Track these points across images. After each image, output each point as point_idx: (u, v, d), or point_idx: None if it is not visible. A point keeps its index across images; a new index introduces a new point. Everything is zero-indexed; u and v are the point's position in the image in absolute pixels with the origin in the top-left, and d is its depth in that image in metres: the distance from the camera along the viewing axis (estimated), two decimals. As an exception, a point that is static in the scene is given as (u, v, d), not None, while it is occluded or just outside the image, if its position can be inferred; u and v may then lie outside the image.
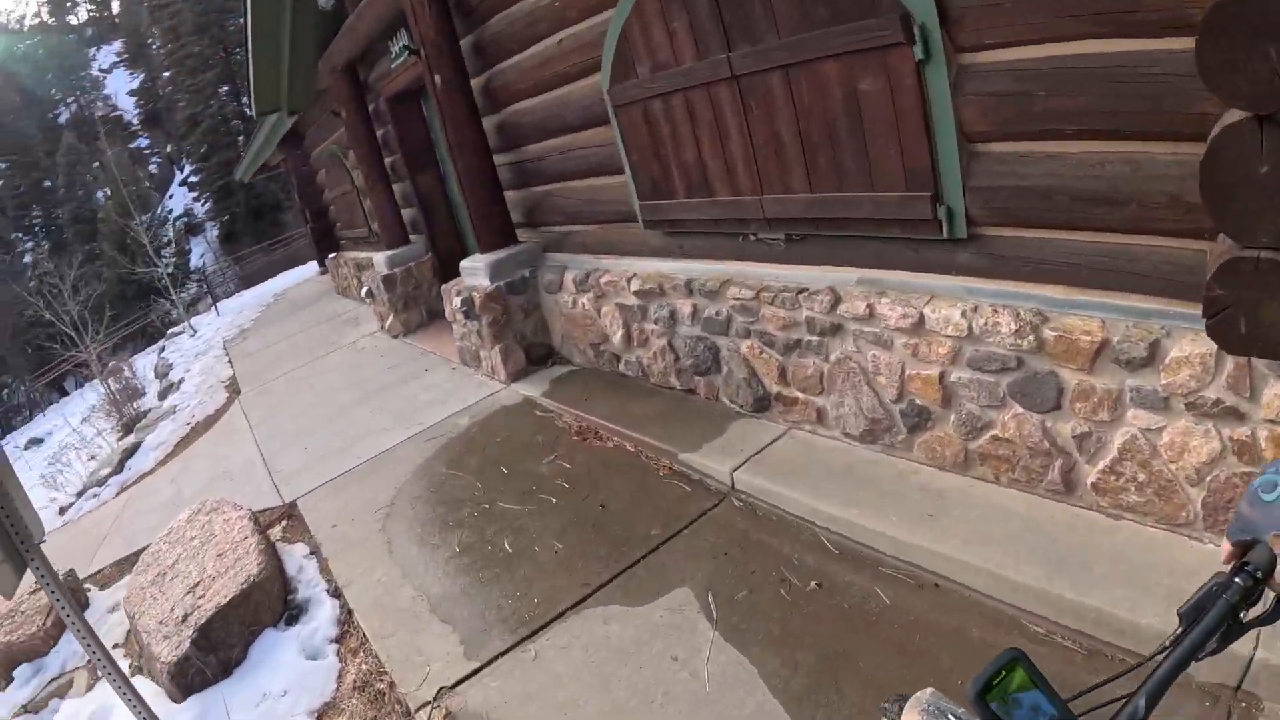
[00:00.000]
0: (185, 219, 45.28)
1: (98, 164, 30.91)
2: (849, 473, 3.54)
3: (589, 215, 5.25)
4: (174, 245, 35.27)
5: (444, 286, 6.48)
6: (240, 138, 39.33)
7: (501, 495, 4.40)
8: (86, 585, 5.38)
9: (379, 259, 8.84)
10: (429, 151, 8.43)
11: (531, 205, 5.90)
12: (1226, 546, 0.98)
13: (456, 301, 5.99)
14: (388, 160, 8.83)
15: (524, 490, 4.40)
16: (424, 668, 3.26)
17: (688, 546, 3.54)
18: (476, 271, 5.90)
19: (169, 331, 19.95)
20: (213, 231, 42.35)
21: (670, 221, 4.42)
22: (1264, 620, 0.90)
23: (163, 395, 12.16)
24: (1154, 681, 0.86)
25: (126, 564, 5.56)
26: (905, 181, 3.07)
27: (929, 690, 1.11)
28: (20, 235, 48.12)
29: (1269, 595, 0.92)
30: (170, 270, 32.71)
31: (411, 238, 8.97)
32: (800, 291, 3.66)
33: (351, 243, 12.84)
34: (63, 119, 58.47)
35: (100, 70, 65.25)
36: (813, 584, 3.09)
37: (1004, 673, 0.88)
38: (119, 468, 8.65)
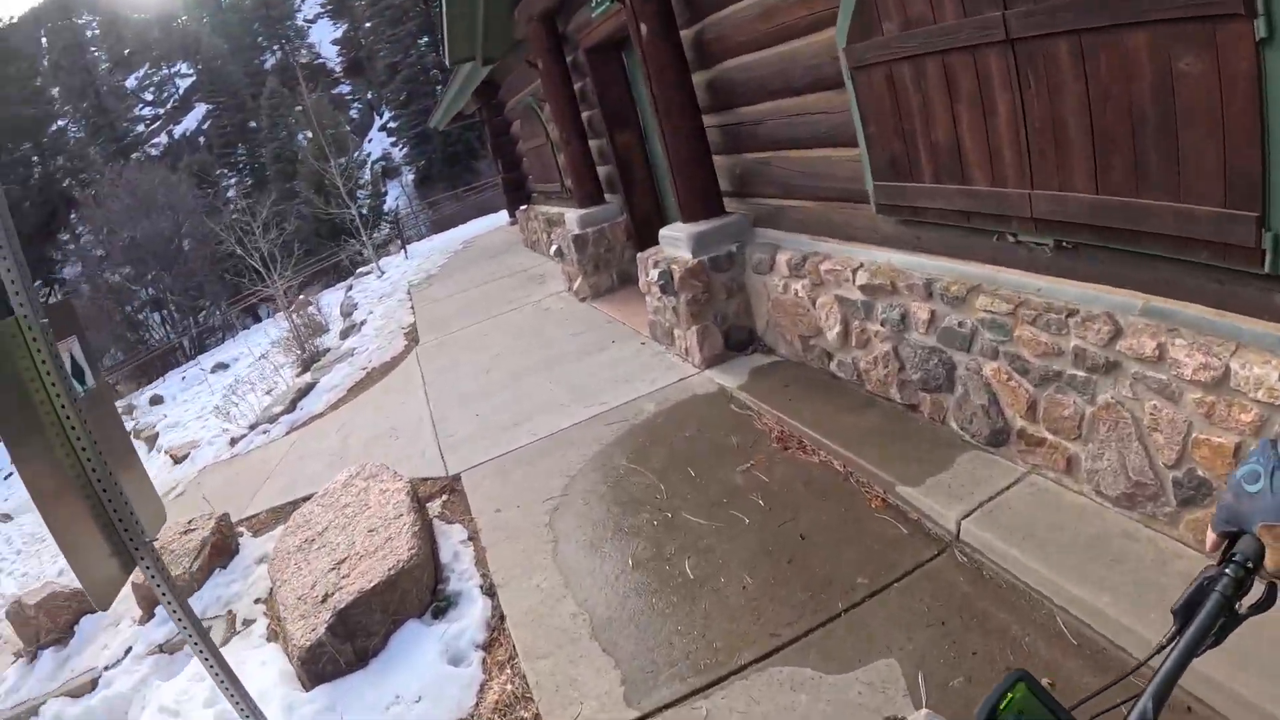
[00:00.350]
0: (383, 162, 48.19)
1: (300, 108, 33.27)
2: (1100, 544, 3.00)
3: (809, 190, 4.81)
4: (371, 187, 37.66)
5: (640, 255, 6.25)
6: (438, 86, 41.22)
7: (686, 504, 4.10)
8: (240, 529, 5.60)
9: (571, 217, 8.83)
10: (628, 108, 8.25)
11: (742, 173, 5.54)
12: (1212, 538, 1.02)
13: (654, 273, 5.75)
14: (584, 115, 8.72)
15: (713, 501, 4.06)
16: (576, 704, 3.02)
17: (899, 606, 3.10)
18: (678, 242, 5.64)
19: (358, 271, 21.24)
20: (408, 175, 44.85)
21: (911, 208, 3.90)
22: (1260, 607, 0.93)
23: (344, 335, 12.87)
24: (1159, 681, 0.91)
25: (282, 513, 5.75)
26: (1223, 195, 2.46)
27: (924, 711, 1.15)
28: (225, 172, 52.99)
29: (1260, 587, 0.95)
30: (364, 211, 35.16)
31: (606, 197, 8.82)
32: (1069, 314, 3.11)
33: (543, 196, 13.05)
34: (268, 65, 63.56)
35: (305, 20, 70.35)
36: (1045, 680, 2.60)
37: (1009, 695, 0.91)
38: (291, 406, 9.12)
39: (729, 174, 5.70)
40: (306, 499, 5.24)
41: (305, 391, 9.48)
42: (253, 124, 49.22)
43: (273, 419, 9.02)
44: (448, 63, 10.70)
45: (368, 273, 19.95)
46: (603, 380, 6.06)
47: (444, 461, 5.50)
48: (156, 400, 20.31)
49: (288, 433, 8.37)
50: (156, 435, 14.07)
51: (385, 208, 42.15)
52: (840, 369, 4.82)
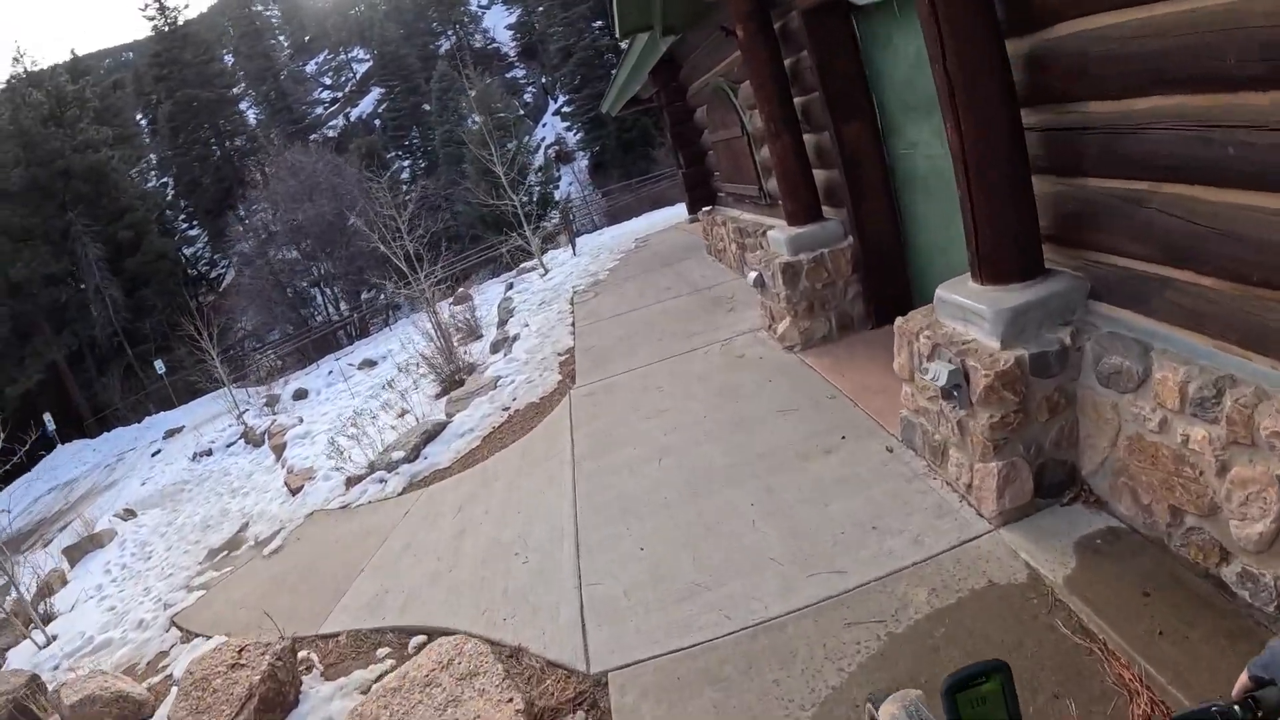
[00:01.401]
0: (556, 147, 47.79)
1: (474, 92, 33.04)
2: None
3: (1233, 261, 2.73)
4: (542, 173, 37.04)
5: (898, 325, 4.21)
6: (612, 70, 40.30)
7: None
8: (309, 655, 4.31)
9: (777, 237, 6.87)
10: (859, 89, 6.14)
11: (1079, 210, 3.47)
12: (1243, 679, 1.05)
13: (935, 369, 3.65)
14: (797, 101, 6.75)
15: None
16: None
17: None
18: (973, 316, 3.61)
19: (521, 265, 20.17)
20: (582, 161, 44.16)
21: None
22: None
23: (495, 348, 11.53)
24: None
25: (363, 646, 4.51)
26: None
27: (916, 692, 1.11)
28: (399, 154, 54.12)
29: None
30: (534, 197, 34.59)
31: (825, 211, 6.82)
32: None
33: (733, 199, 11.15)
34: (442, 50, 64.75)
35: (479, 6, 71.45)
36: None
37: (983, 679, 0.95)
38: (414, 455, 7.72)
39: (1052, 208, 3.58)
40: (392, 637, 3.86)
41: (433, 435, 8.06)
42: (425, 107, 49.99)
43: (391, 466, 7.69)
44: (617, 35, 9.02)
45: (532, 268, 18.79)
46: (835, 520, 4.02)
47: (585, 640, 3.71)
48: (300, 395, 19.95)
49: (404, 490, 7.16)
50: (285, 445, 13.32)
51: (557, 195, 41.62)
52: (1247, 586, 2.74)
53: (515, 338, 11.09)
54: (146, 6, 49.62)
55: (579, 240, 22.10)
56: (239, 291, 32.91)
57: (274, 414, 19.27)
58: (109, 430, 36.79)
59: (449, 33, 67.75)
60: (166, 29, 49.68)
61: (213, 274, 49.34)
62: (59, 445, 36.86)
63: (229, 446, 18.49)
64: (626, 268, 14.23)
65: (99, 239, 41.26)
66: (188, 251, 51.35)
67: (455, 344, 11.91)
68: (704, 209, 12.41)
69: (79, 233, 36.81)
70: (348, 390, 16.58)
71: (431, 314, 12.02)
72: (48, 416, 36.51)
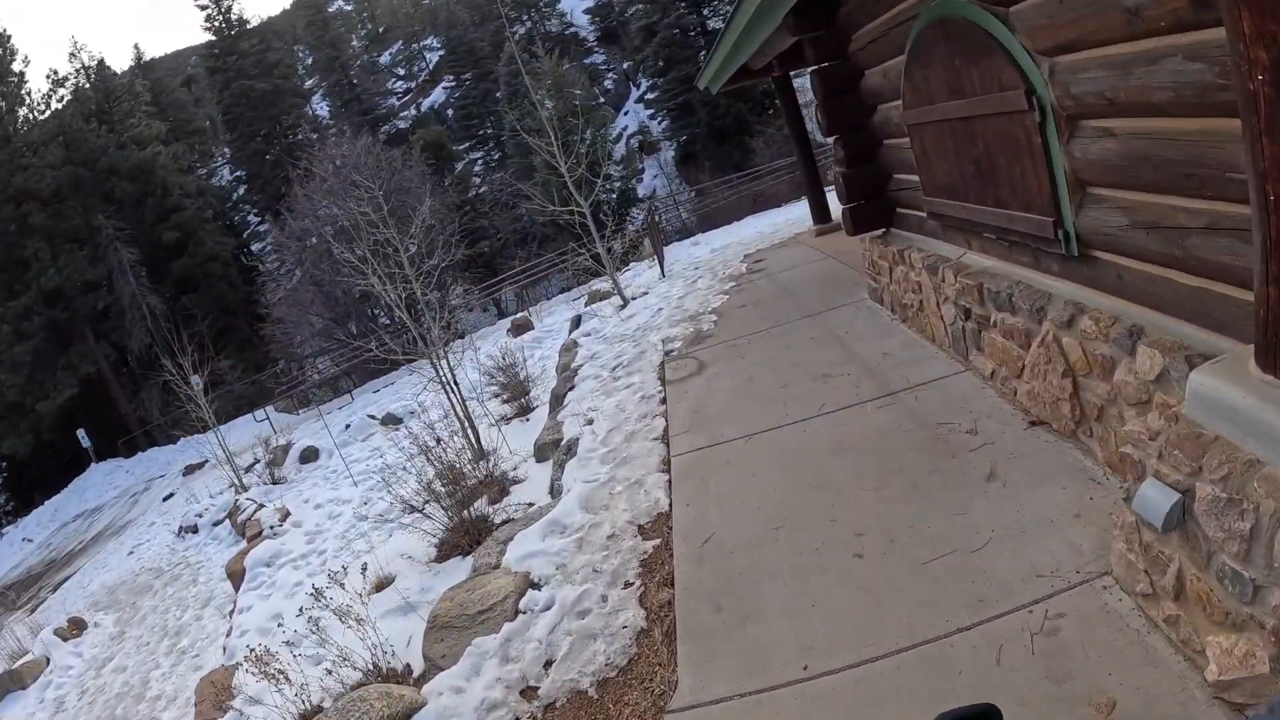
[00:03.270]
0: (639, 137, 43.62)
1: (549, 82, 29.28)
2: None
3: None
4: (624, 165, 32.81)
5: None
6: (700, 52, 35.76)
7: None
8: None
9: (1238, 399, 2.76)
10: None
11: None
12: None
13: None
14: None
15: None
16: None
17: None
18: None
19: (593, 287, 16.03)
20: (668, 152, 39.87)
21: None
22: None
23: (541, 454, 7.62)
24: None
25: None
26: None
27: None
28: (471, 145, 50.64)
29: None
30: (614, 196, 30.49)
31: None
32: None
33: (955, 228, 6.45)
34: (517, 36, 61.15)
35: None
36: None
37: None
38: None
39: None
40: None
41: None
42: (498, 95, 46.33)
43: None
44: None
45: (607, 293, 14.64)
46: None
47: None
48: (309, 457, 16.13)
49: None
50: (244, 572, 9.51)
51: (640, 190, 37.42)
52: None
53: (573, 445, 6.94)
54: (199, -4, 47.06)
55: (669, 249, 17.86)
56: (286, 302, 29.46)
57: (273, 479, 15.57)
58: (144, 450, 34.21)
59: (524, 17, 64.24)
60: (220, 18, 47.02)
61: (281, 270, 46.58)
62: (93, 464, 34.45)
63: (215, 526, 14.87)
64: (742, 310, 10.04)
65: (143, 241, 38.64)
66: (256, 248, 48.73)
67: (481, 441, 7.82)
68: (876, 232, 8.04)
69: (109, 237, 34.01)
70: (351, 473, 12.70)
71: (450, 391, 7.96)
72: (81, 433, 34.07)
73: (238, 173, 52.52)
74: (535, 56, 30.29)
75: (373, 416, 16.05)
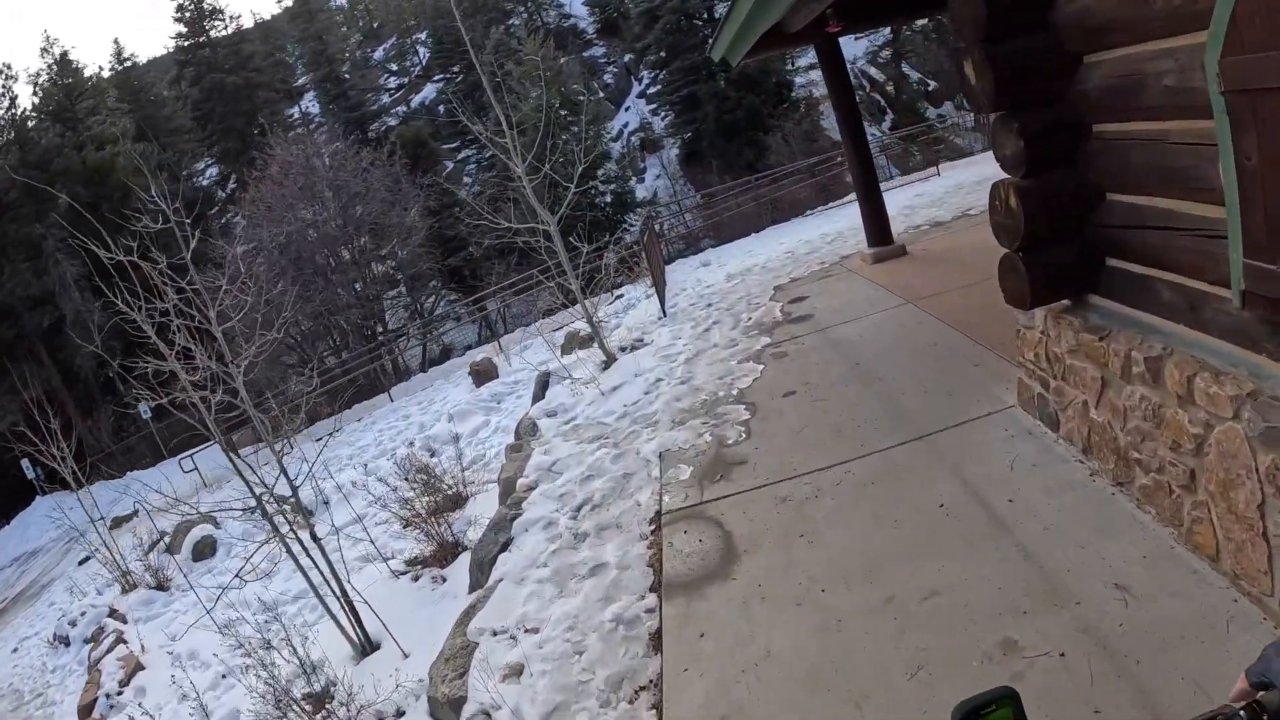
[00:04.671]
0: (640, 134, 39.70)
1: (540, 72, 25.47)
2: None
3: None
4: (622, 164, 28.87)
5: None
6: (705, 38, 31.76)
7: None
8: None
9: None
10: None
11: None
12: (1241, 684, 1.07)
13: None
14: None
15: None
16: None
17: None
18: None
19: (572, 329, 12.14)
20: (671, 150, 35.92)
21: None
22: None
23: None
24: None
25: None
26: None
27: None
28: (461, 144, 46.75)
29: None
30: (610, 198, 26.50)
31: None
32: None
33: None
34: (511, 26, 57.13)
35: None
36: None
37: (994, 706, 0.97)
38: None
39: None
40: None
41: None
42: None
43: None
44: None
45: (585, 338, 10.78)
46: None
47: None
48: (203, 552, 12.39)
49: None
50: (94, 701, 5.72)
51: (640, 192, 33.51)
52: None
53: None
54: (172, -20, 43.25)
55: (672, 269, 14.01)
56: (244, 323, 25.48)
57: (158, 582, 11.82)
58: (93, 483, 30.43)
59: (520, 9, 60.26)
60: (192, 7, 43.18)
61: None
62: (38, 497, 30.82)
63: (86, 644, 11.22)
64: (790, 403, 6.33)
65: (98, 250, 34.63)
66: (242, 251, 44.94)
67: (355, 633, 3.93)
68: (1060, 301, 4.14)
69: (51, 249, 30.24)
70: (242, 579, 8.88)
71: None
72: (26, 463, 30.42)
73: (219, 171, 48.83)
74: (520, 42, 26.42)
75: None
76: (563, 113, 24.01)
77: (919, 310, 7.49)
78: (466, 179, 44.26)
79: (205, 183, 51.06)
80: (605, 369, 9.08)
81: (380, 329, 27.97)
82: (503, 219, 10.16)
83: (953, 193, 14.10)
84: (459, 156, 48.41)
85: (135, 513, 20.95)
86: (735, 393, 6.73)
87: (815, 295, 9.20)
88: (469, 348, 25.65)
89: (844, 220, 14.63)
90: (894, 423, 5.14)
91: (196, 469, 19.33)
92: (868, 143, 9.79)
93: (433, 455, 11.10)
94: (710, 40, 9.79)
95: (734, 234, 18.61)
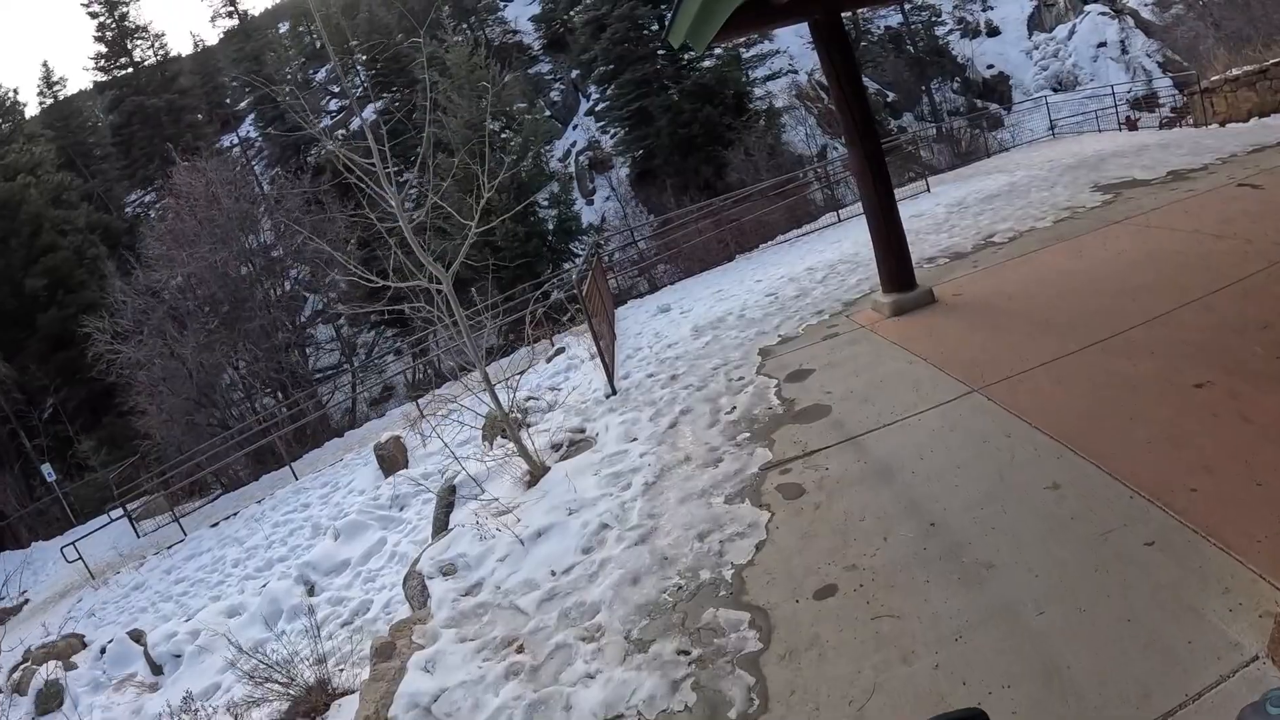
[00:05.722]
0: (589, 153, 36.81)
1: (491, 91, 22.57)
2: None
3: None
4: (566, 189, 25.82)
5: None
6: (655, 48, 28.97)
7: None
8: None
9: None
10: None
11: None
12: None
13: None
14: None
15: None
16: None
17: None
18: None
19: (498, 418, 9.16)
20: (622, 170, 33.00)
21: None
22: None
23: None
24: None
25: None
26: None
27: None
28: (402, 167, 43.50)
29: None
30: (552, 226, 23.36)
31: None
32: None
33: None
34: (457, 43, 54.22)
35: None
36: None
37: None
38: None
39: None
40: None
41: None
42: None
43: None
44: None
45: (489, 473, 7.83)
46: None
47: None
48: (48, 705, 9.23)
49: None
50: None
51: (585, 219, 30.57)
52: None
53: None
54: (90, 3, 39.61)
55: (625, 321, 11.17)
56: (141, 381, 22.02)
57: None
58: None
59: (464, 25, 57.16)
60: (114, 26, 39.56)
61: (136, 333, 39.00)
62: (-71, 572, 27.03)
63: None
64: (836, 621, 3.68)
65: (5, 291, 31.23)
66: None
67: None
68: None
69: (-71, 291, 26.66)
70: None
71: None
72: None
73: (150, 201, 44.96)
74: (441, 41, 23.39)
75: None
76: (503, 134, 21.11)
77: (997, 407, 4.71)
78: (409, 204, 41.01)
79: (141, 212, 47.31)
80: (531, 485, 6.15)
81: (314, 373, 24.76)
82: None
83: (957, 213, 11.41)
84: (403, 179, 45.11)
85: (24, 604, 17.55)
86: (729, 576, 3.89)
87: (823, 369, 6.35)
88: (415, 387, 22.47)
89: (830, 249, 11.85)
90: (1048, 696, 2.32)
91: (80, 558, 15.92)
92: (881, 150, 6.98)
93: (312, 592, 8.10)
94: (668, 19, 6.92)
95: (697, 264, 15.74)
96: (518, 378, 7.31)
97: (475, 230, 6.23)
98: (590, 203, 34.08)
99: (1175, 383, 4.71)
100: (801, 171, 19.93)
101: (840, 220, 14.82)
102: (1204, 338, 5.23)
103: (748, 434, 5.56)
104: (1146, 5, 30.76)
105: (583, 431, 7.13)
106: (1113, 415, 4.46)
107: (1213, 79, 14.51)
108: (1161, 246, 7.33)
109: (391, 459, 10.98)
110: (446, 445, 7.16)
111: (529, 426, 7.93)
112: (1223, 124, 13.97)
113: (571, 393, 8.71)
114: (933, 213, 11.89)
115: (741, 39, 32.91)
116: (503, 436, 7.68)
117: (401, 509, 9.09)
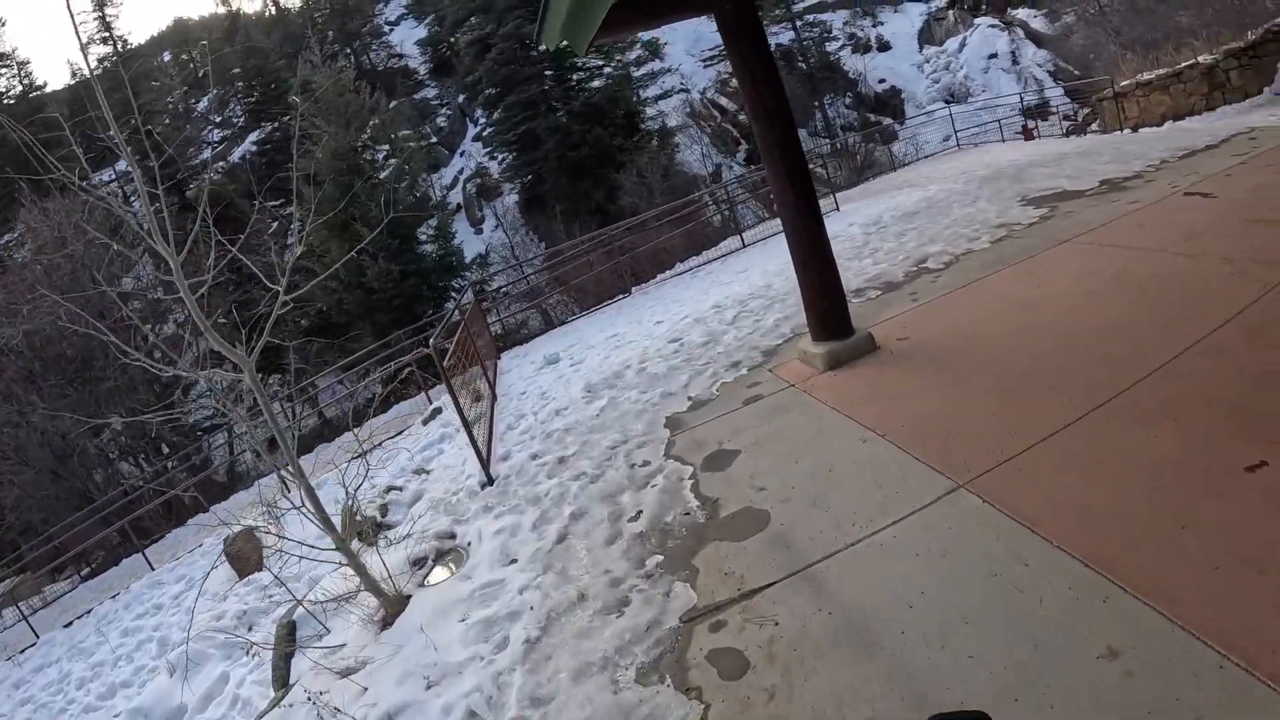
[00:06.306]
0: (477, 180, 35.13)
1: (375, 119, 20.83)
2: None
3: None
4: (444, 223, 23.97)
5: None
6: (544, 70, 27.65)
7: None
8: None
9: None
10: None
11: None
12: None
13: None
14: None
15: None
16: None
17: None
18: None
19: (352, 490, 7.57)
20: (510, 196, 31.43)
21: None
22: None
23: None
24: None
25: None
26: None
27: None
28: (279, 204, 40.98)
29: None
30: (433, 262, 21.47)
31: None
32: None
33: None
34: (345, 69, 52.01)
35: (386, 22, 59.19)
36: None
37: None
38: None
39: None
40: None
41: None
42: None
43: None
44: None
45: (342, 604, 6.29)
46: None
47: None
48: None
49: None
50: None
51: (478, 246, 28.95)
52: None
53: None
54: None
55: (508, 374, 9.74)
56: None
57: None
58: None
59: (347, 50, 54.88)
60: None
61: None
62: None
63: None
64: None
65: None
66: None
67: None
68: None
69: None
70: None
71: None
72: None
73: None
74: (310, 63, 21.53)
75: None
76: (375, 163, 19.34)
77: (998, 513, 3.50)
78: (291, 240, 38.36)
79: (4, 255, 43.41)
80: (386, 626, 4.61)
81: (198, 428, 22.32)
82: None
83: (876, 234, 10.33)
84: (286, 213, 42.36)
85: None
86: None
87: (750, 450, 4.99)
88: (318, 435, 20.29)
89: (737, 281, 10.61)
90: None
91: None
92: (807, 168, 5.69)
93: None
94: (538, 20, 5.48)
95: (591, 297, 14.34)
96: (365, 464, 5.69)
97: (286, 296, 4.63)
98: (479, 231, 32.44)
99: (1219, 465, 3.52)
100: (699, 193, 18.79)
101: (744, 245, 13.65)
102: (1230, 395, 4.09)
103: (660, 555, 4.15)
104: (1036, 16, 30.99)
105: (453, 538, 5.63)
106: (1155, 522, 3.24)
107: (1123, 84, 13.95)
108: (1128, 269, 6.25)
109: (243, 558, 9.14)
110: (276, 577, 5.52)
111: (388, 531, 6.40)
112: (1135, 129, 13.40)
113: (444, 473, 7.17)
114: (848, 234, 10.77)
115: (634, 52, 31.89)
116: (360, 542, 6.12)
117: (250, 628, 7.35)
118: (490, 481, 6.14)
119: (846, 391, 5.37)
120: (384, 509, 7.11)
